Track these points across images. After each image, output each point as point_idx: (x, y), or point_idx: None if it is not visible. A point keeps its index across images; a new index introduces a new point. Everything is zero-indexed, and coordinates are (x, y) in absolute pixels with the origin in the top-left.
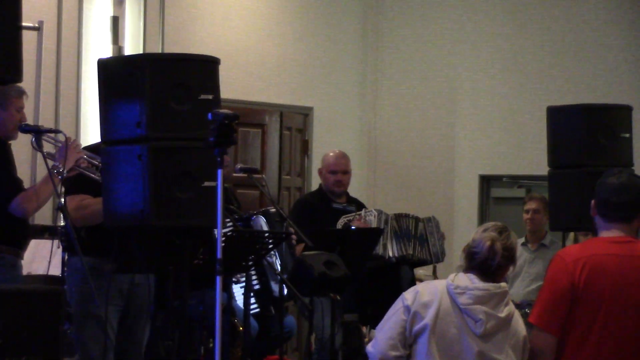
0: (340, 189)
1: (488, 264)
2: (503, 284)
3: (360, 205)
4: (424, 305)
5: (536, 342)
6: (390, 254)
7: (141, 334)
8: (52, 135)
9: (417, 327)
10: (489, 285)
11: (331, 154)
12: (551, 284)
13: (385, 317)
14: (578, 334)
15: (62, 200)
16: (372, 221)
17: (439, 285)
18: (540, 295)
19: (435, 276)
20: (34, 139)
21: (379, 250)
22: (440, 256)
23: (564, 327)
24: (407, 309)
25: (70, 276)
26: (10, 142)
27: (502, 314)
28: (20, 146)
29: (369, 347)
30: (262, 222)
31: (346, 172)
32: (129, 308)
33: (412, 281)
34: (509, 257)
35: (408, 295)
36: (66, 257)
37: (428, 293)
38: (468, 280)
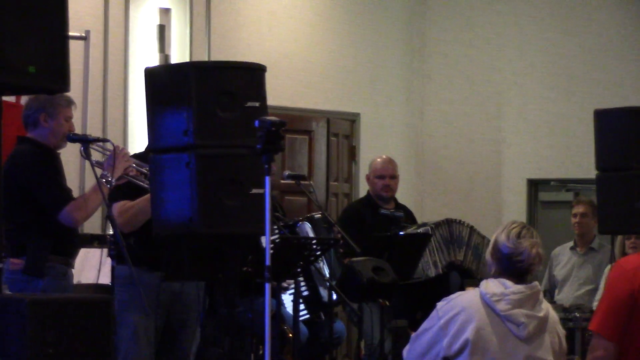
0: (389, 193)
1: (531, 269)
2: (535, 283)
3: (408, 212)
4: (461, 321)
5: (597, 349)
6: (439, 271)
7: (187, 344)
8: (100, 144)
9: (456, 345)
10: (523, 287)
11: (378, 159)
12: (611, 292)
13: (423, 325)
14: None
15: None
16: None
17: (473, 296)
18: (601, 303)
19: None
20: (82, 148)
21: (429, 270)
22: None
23: (624, 335)
24: (442, 327)
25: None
26: (59, 151)
27: (541, 313)
28: (69, 155)
29: (404, 352)
30: (308, 229)
31: (394, 177)
32: (170, 318)
33: (462, 287)
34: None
35: (442, 311)
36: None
37: (463, 307)
38: (501, 286)
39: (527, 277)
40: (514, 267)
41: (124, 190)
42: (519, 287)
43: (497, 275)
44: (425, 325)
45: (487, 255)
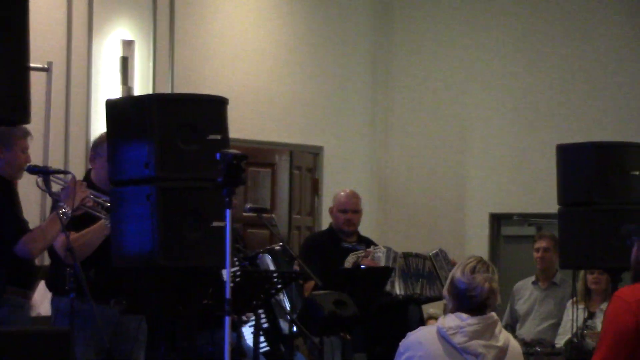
0: (351, 228)
1: (487, 303)
2: (492, 314)
3: (370, 244)
4: (418, 357)
5: None
6: (398, 292)
7: None
8: (61, 176)
9: None
10: (480, 319)
11: (342, 193)
12: (615, 326)
13: None
14: None
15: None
16: (381, 258)
17: (430, 331)
18: (603, 339)
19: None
20: (39, 180)
21: (388, 286)
22: None
23: None
24: None
25: (53, 316)
26: (16, 182)
27: (500, 343)
28: (31, 187)
29: None
30: (269, 261)
31: (357, 211)
32: (111, 349)
33: (421, 320)
34: (499, 291)
35: (403, 347)
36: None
37: (420, 342)
38: (457, 319)
39: (484, 310)
40: (469, 302)
41: (71, 221)
42: (475, 319)
43: (454, 310)
44: None
45: (445, 291)
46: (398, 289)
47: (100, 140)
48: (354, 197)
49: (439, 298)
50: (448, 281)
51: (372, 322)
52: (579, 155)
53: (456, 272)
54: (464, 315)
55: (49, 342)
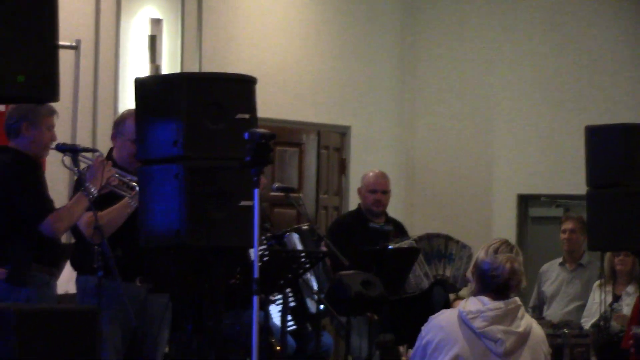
0: (379, 208)
1: (509, 284)
2: (516, 298)
3: (397, 225)
4: (438, 341)
5: None
6: (431, 281)
7: (153, 353)
8: (89, 154)
9: None
10: (501, 304)
11: (371, 173)
12: None
13: (412, 351)
14: None
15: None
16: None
17: (451, 315)
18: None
19: None
20: (65, 158)
21: (423, 283)
22: (460, 281)
23: None
24: (424, 347)
25: (78, 294)
26: (43, 160)
27: (520, 329)
28: (58, 165)
29: None
30: (296, 239)
31: (385, 192)
32: (137, 328)
33: (447, 302)
34: (523, 272)
35: (424, 331)
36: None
37: (441, 326)
38: (479, 303)
39: (508, 293)
40: (491, 283)
41: (95, 200)
42: (496, 304)
43: (477, 292)
44: (415, 345)
45: (469, 273)
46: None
47: (121, 119)
48: (383, 177)
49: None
50: (472, 263)
51: (399, 302)
52: (607, 136)
53: (480, 253)
54: (486, 299)
55: (76, 320)
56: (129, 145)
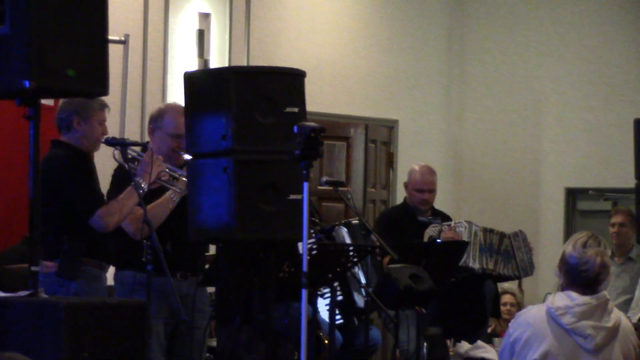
0: (425, 207)
1: (599, 279)
2: (604, 293)
3: (445, 218)
4: (526, 338)
5: None
6: (472, 265)
7: (196, 347)
8: (138, 148)
9: None
10: (589, 299)
11: (418, 170)
12: None
13: (500, 349)
14: None
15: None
16: (463, 233)
17: (539, 311)
18: None
19: (520, 289)
20: (116, 152)
21: (469, 261)
22: (529, 270)
23: None
24: (512, 344)
25: (118, 291)
26: (93, 155)
27: (610, 324)
28: (107, 159)
29: None
30: (345, 233)
31: (432, 191)
32: (179, 321)
33: (497, 295)
34: (610, 266)
35: (512, 328)
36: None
37: (529, 323)
38: (566, 299)
39: (596, 287)
40: (580, 277)
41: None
42: (585, 299)
43: (566, 287)
44: (502, 342)
45: (556, 268)
46: (473, 262)
47: (159, 113)
48: (430, 175)
49: (511, 277)
50: (560, 257)
51: (448, 296)
52: None
53: (567, 248)
54: (574, 295)
55: (126, 314)
56: (168, 139)
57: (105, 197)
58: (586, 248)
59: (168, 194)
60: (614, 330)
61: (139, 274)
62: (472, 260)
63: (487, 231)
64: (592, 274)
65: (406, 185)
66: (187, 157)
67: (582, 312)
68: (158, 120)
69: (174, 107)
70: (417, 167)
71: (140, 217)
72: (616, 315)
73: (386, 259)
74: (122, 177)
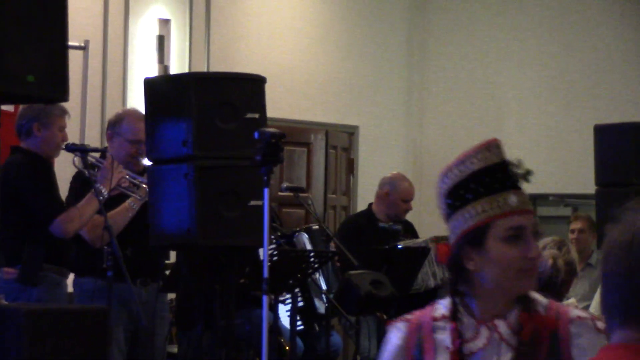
0: (404, 216)
1: (552, 281)
2: (571, 300)
3: (406, 224)
4: None
5: None
6: (437, 282)
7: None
8: (97, 155)
9: None
10: None
11: (401, 178)
12: None
13: None
14: None
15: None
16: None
17: None
18: None
19: None
20: (76, 159)
21: (429, 281)
22: None
23: None
24: None
25: (77, 298)
26: (53, 161)
27: None
28: (67, 165)
29: None
30: (305, 239)
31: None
32: (138, 327)
33: None
34: (571, 271)
35: None
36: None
37: None
38: None
39: (557, 292)
40: (539, 281)
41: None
42: None
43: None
44: None
45: None
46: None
47: (117, 119)
48: (412, 186)
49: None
50: None
51: (405, 300)
52: (616, 135)
53: None
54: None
55: (86, 320)
56: (127, 145)
57: (64, 204)
58: (544, 250)
59: (128, 202)
60: None
61: (99, 281)
62: (432, 279)
63: (441, 239)
64: (545, 276)
65: (387, 194)
66: (147, 162)
67: None
68: (116, 126)
69: (132, 113)
70: (399, 176)
71: (99, 225)
72: None
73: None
74: (81, 184)
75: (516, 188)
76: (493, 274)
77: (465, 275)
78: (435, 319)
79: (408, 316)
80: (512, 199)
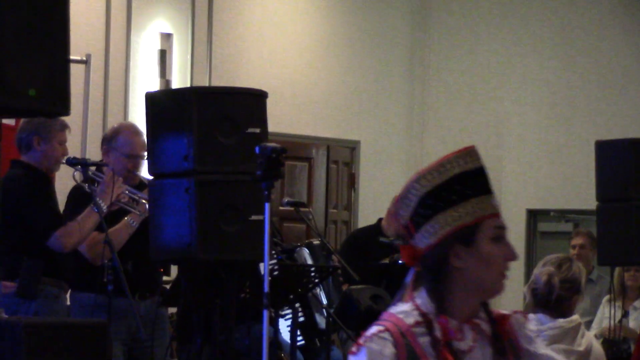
0: None
1: (547, 298)
2: (574, 317)
3: None
4: None
5: None
6: None
7: None
8: (94, 169)
9: None
10: (560, 322)
11: None
12: None
13: None
14: None
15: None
16: None
17: None
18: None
19: None
20: (76, 173)
21: None
22: None
23: None
24: None
25: (75, 312)
26: (53, 175)
27: (581, 347)
28: (67, 179)
29: None
30: (306, 254)
31: None
32: (135, 344)
33: None
34: (570, 288)
35: None
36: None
37: None
38: (538, 323)
39: (565, 310)
40: (536, 297)
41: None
42: (557, 322)
43: (533, 309)
44: None
45: (525, 288)
46: None
47: (112, 134)
48: None
49: None
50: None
51: None
52: (617, 151)
53: (536, 268)
54: (545, 318)
55: (85, 334)
56: (123, 160)
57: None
58: (543, 267)
59: (127, 219)
60: (585, 355)
61: (99, 296)
62: None
63: None
64: (541, 293)
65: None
66: (147, 177)
67: (552, 335)
68: (112, 140)
69: (128, 127)
70: None
71: (98, 242)
72: (587, 339)
73: None
74: (78, 198)
75: (492, 192)
76: (480, 272)
77: (445, 274)
78: (411, 326)
79: (381, 327)
80: (494, 201)
